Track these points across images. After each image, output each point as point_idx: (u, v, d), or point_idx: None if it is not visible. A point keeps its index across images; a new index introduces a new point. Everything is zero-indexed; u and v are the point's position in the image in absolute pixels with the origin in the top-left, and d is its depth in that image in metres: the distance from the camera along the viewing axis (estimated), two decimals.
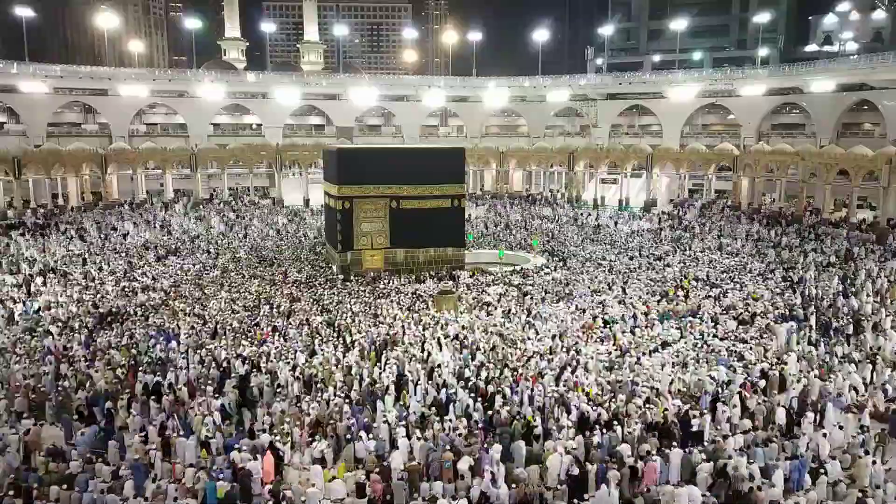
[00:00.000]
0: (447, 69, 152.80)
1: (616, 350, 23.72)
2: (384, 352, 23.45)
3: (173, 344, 24.15)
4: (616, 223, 51.53)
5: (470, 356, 22.86)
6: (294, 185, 62.86)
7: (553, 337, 24.99)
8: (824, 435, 16.89)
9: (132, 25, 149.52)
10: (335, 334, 25.72)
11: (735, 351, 23.38)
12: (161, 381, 20.65)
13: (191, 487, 14.91)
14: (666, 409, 18.34)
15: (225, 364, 22.25)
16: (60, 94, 66.51)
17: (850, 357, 22.57)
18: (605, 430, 17.13)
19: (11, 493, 14.80)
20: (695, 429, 17.51)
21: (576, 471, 15.19)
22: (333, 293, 32.26)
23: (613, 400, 19.32)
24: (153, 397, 19.67)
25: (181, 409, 18.90)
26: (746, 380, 20.53)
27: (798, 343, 24.19)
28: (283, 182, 62.78)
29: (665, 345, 24.16)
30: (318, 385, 20.58)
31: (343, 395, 19.55)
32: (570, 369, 21.58)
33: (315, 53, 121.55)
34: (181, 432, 17.64)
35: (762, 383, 20.38)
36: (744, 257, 38.50)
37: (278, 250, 42.96)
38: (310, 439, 17.14)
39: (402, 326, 26.40)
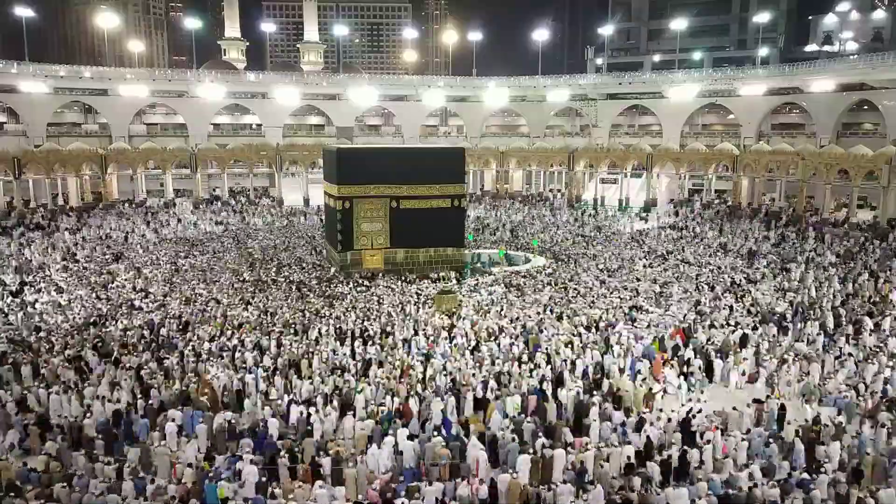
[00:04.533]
0: (447, 69, 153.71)
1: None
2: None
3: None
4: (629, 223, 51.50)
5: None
6: (294, 185, 62.88)
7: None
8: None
9: (132, 25, 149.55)
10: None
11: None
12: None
13: (191, 487, 14.93)
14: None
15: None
16: (60, 94, 66.46)
17: (850, 356, 22.60)
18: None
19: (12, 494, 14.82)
20: (694, 429, 17.54)
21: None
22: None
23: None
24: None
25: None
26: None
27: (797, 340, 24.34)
28: (283, 182, 62.80)
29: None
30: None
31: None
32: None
33: (315, 53, 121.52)
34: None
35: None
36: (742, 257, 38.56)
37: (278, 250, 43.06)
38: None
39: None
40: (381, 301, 30.78)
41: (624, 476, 15.42)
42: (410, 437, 16.97)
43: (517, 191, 66.87)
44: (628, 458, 16.12)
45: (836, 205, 50.66)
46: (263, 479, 15.48)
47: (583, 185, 65.05)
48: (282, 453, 16.23)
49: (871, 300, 28.80)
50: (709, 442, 16.74)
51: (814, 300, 29.12)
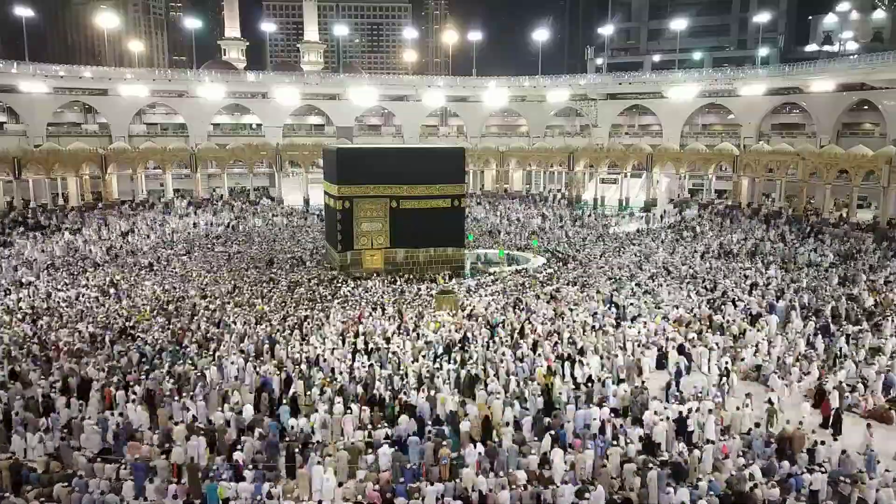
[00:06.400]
0: (447, 69, 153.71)
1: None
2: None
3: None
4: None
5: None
6: (294, 185, 62.87)
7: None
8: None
9: (132, 25, 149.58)
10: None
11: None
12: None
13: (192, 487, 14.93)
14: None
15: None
16: (60, 94, 66.50)
17: (850, 356, 22.60)
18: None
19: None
20: (690, 429, 17.53)
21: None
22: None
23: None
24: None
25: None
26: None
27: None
28: (283, 182, 62.80)
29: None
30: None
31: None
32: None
33: (315, 53, 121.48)
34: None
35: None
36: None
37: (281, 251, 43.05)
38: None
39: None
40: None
41: (623, 469, 15.48)
42: (409, 437, 17.01)
43: (517, 191, 66.90)
44: (623, 455, 16.15)
45: (836, 205, 50.70)
46: (263, 478, 15.47)
47: (583, 185, 65.08)
48: (281, 453, 16.23)
49: (873, 300, 28.81)
50: (708, 442, 16.74)
51: (815, 301, 29.13)
